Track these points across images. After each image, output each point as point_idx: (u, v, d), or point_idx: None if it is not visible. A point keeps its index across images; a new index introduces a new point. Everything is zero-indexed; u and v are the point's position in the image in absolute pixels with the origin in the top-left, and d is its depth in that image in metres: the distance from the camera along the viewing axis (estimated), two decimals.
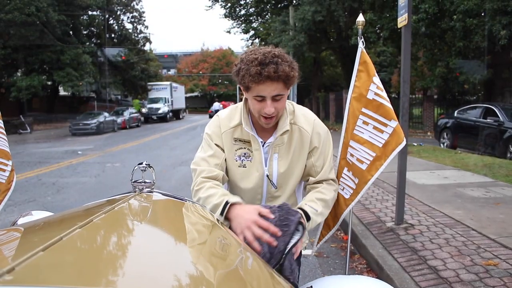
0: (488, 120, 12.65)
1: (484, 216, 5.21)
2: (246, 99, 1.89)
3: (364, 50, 2.13)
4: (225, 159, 1.94)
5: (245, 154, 1.92)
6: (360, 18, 2.21)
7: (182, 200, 1.76)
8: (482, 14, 15.49)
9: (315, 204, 1.84)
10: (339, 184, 2.17)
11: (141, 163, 1.72)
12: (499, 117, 12.33)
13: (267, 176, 1.91)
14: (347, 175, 2.20)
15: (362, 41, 2.11)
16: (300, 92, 27.88)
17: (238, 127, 1.92)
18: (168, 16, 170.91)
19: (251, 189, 1.95)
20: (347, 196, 2.20)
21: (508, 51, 17.65)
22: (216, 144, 1.93)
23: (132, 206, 1.49)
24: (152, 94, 40.44)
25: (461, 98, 20.05)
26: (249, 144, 1.91)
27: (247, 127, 1.87)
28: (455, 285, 3.36)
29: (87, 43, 35.31)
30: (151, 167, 1.73)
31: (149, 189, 1.67)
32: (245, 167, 1.93)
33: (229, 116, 1.97)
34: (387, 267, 3.87)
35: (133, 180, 1.69)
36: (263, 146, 1.90)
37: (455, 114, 14.99)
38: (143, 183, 1.68)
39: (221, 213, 1.71)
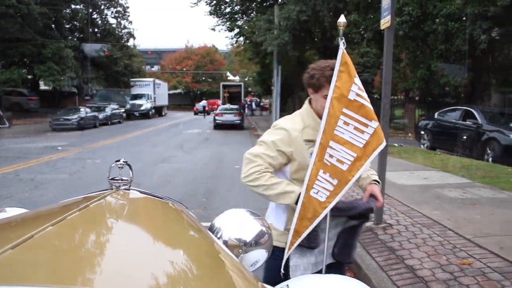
0: (467, 123, 12.86)
1: (461, 216, 5.30)
2: (309, 103, 2.32)
3: (345, 51, 2.14)
4: (291, 160, 2.26)
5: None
6: (342, 19, 2.22)
7: (160, 198, 1.75)
8: (464, 19, 15.73)
9: (370, 170, 2.39)
10: (313, 188, 2.19)
11: (118, 160, 1.71)
12: (477, 120, 12.55)
13: None
14: (323, 177, 2.19)
15: (343, 42, 2.11)
16: (284, 91, 27.91)
17: (305, 129, 2.25)
18: (153, 12, 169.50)
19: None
20: (322, 199, 2.18)
21: (487, 56, 17.96)
22: (279, 150, 2.23)
23: (107, 204, 1.48)
24: (135, 91, 40.04)
25: (442, 100, 20.32)
26: None
27: (313, 126, 2.25)
28: (430, 284, 3.42)
29: (70, 37, 34.77)
30: (129, 164, 1.71)
31: (126, 187, 1.66)
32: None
33: (293, 123, 2.29)
34: (365, 266, 3.91)
35: (110, 178, 1.68)
36: None
37: (436, 116, 15.20)
38: (120, 181, 1.66)
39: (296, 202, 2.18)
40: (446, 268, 3.68)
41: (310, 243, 2.22)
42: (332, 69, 2.10)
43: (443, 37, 16.03)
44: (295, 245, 2.31)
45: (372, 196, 2.20)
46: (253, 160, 2.23)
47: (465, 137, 12.75)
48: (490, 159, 11.45)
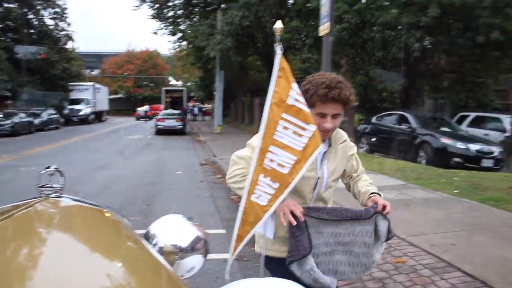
0: (402, 127, 13.43)
1: (396, 216, 5.51)
2: None
3: (282, 57, 2.17)
4: None
5: None
6: (278, 25, 2.26)
7: (94, 206, 1.70)
8: (399, 27, 16.44)
9: (370, 186, 2.33)
10: (254, 193, 2.21)
11: (48, 167, 1.65)
12: (412, 124, 13.14)
13: (318, 178, 2.21)
14: (264, 182, 2.22)
15: (280, 47, 2.15)
16: (226, 96, 27.93)
17: None
18: (93, 14, 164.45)
19: (305, 192, 2.23)
20: (263, 203, 2.21)
21: (420, 63, 18.86)
22: None
23: (35, 212, 1.42)
24: (74, 95, 38.67)
25: (379, 105, 21.09)
26: None
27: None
28: (367, 283, 3.53)
29: (2, 38, 33.12)
30: (59, 171, 1.66)
31: (57, 194, 1.60)
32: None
33: None
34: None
35: (40, 185, 1.62)
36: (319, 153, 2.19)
37: (373, 121, 15.76)
38: (50, 188, 1.61)
39: None
40: (382, 267, 3.82)
41: (299, 252, 2.14)
42: (327, 87, 2.05)
43: (380, 44, 16.68)
44: (238, 250, 2.33)
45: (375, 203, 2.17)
46: (237, 162, 2.28)
47: (400, 141, 13.32)
48: (423, 162, 12.01)
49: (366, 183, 2.37)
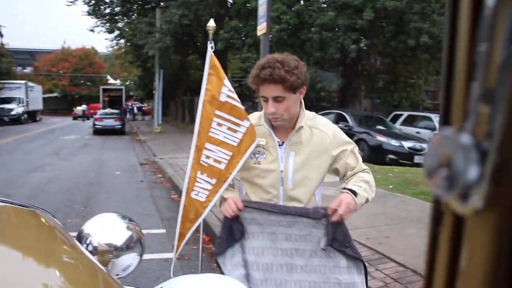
0: (340, 125, 13.82)
1: None
2: None
3: (213, 55, 2.21)
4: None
5: (259, 151, 2.06)
6: (211, 23, 2.30)
7: (24, 207, 1.64)
8: (336, 29, 16.93)
9: (357, 182, 2.00)
10: (193, 190, 2.23)
11: None
12: (349, 122, 13.57)
13: (281, 171, 2.00)
14: (202, 178, 2.26)
15: (212, 46, 2.18)
16: (166, 95, 27.54)
17: (257, 127, 2.10)
18: (25, 9, 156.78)
19: (268, 186, 2.03)
20: (203, 199, 2.26)
21: (357, 64, 19.53)
22: None
23: None
24: (4, 94, 36.62)
25: (318, 104, 21.59)
26: (266, 142, 2.05)
27: (264, 125, 2.03)
28: None
29: None
30: None
31: None
32: (260, 164, 2.04)
33: (253, 119, 2.16)
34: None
35: None
36: (280, 145, 2.02)
37: None
38: None
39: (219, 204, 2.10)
40: None
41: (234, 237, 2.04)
42: (259, 67, 1.89)
43: (318, 45, 17.09)
44: (181, 247, 2.38)
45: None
46: None
47: None
48: None
49: (356, 179, 2.05)
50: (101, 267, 1.36)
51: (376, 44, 18.00)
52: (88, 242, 1.61)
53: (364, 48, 18.74)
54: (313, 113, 2.14)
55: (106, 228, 1.66)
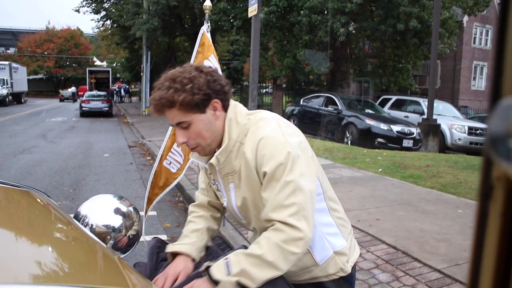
0: (329, 108, 13.87)
1: None
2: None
3: (206, 34, 2.18)
4: None
5: (213, 179, 1.65)
6: (207, 3, 2.26)
7: (17, 187, 1.62)
8: (325, 12, 16.84)
9: (239, 255, 1.40)
10: (166, 159, 2.29)
11: None
12: (338, 106, 13.60)
13: (225, 208, 1.68)
14: (176, 150, 2.36)
15: (208, 25, 2.15)
16: (154, 77, 27.27)
17: None
18: None
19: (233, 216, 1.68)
20: (174, 170, 2.34)
21: (346, 47, 19.50)
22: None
23: None
24: None
25: (307, 87, 21.59)
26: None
27: (193, 156, 1.65)
28: None
29: None
30: None
31: None
32: (220, 191, 1.64)
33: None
34: (238, 247, 4.02)
35: None
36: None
37: (301, 102, 16.12)
38: None
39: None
40: None
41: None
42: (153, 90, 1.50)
43: (307, 28, 17.01)
44: (149, 212, 2.51)
45: None
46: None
47: (327, 122, 13.77)
48: (349, 142, 12.51)
49: (244, 251, 1.43)
50: (102, 243, 1.34)
51: (365, 28, 17.97)
52: (85, 224, 1.59)
53: (353, 32, 18.70)
54: (254, 115, 1.56)
55: (103, 209, 1.64)
